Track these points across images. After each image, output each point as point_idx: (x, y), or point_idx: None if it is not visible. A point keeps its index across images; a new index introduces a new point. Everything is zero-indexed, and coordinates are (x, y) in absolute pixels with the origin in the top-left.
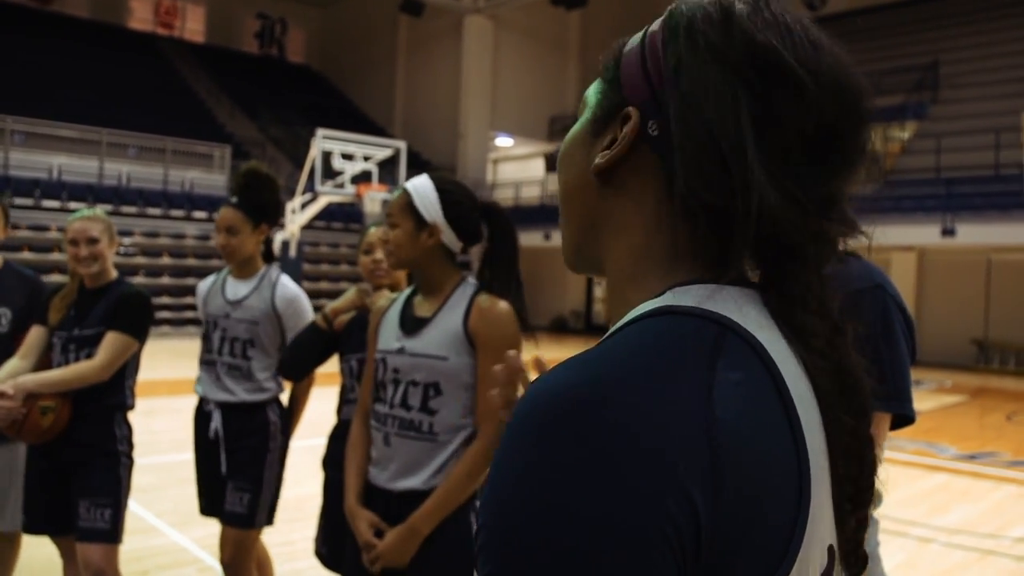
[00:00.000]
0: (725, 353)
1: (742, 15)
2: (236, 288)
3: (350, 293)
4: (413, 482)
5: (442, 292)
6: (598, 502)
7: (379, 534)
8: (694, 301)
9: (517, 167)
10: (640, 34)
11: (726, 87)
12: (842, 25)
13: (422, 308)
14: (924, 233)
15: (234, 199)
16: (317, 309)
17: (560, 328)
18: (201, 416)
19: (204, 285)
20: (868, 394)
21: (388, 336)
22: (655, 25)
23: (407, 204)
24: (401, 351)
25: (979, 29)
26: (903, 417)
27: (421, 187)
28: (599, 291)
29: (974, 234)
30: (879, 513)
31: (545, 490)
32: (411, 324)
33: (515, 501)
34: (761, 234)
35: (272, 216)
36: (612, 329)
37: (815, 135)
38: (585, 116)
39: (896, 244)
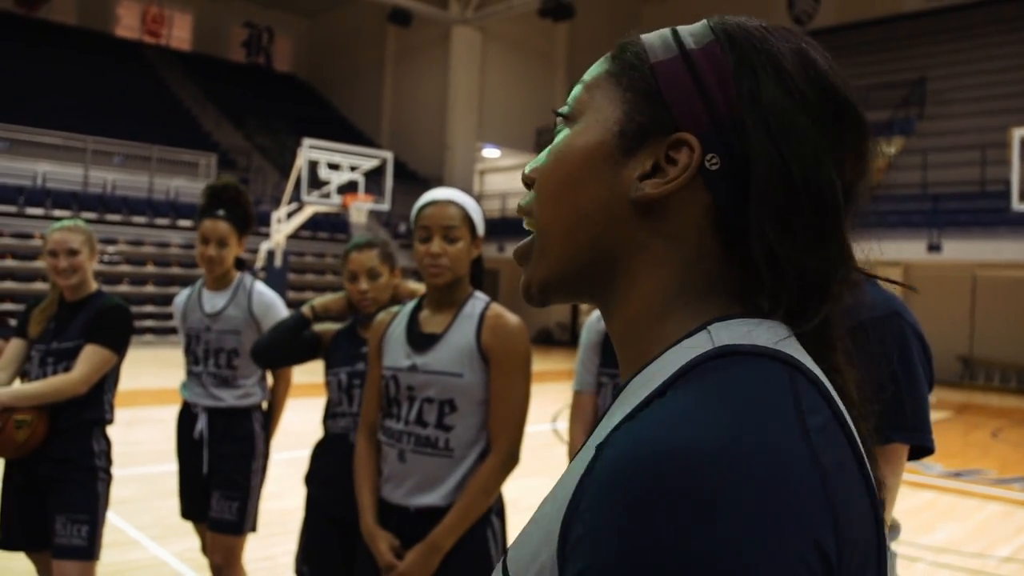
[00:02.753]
0: (803, 396)
1: (815, 56)
2: (213, 300)
3: (339, 296)
4: (431, 498)
5: (453, 306)
6: (752, 564)
7: (397, 555)
8: (749, 339)
9: (504, 178)
10: (667, 40)
11: (820, 139)
12: (830, 40)
13: (431, 324)
14: (910, 249)
15: (221, 212)
16: None
17: (546, 340)
18: (186, 418)
19: (180, 299)
20: (871, 431)
21: (396, 353)
22: (697, 38)
23: (466, 216)
24: (413, 368)
25: (966, 46)
26: (921, 447)
27: (468, 199)
28: (586, 304)
29: (960, 250)
30: (895, 546)
31: (698, 555)
32: (420, 340)
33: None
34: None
35: (251, 227)
36: (652, 372)
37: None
38: (601, 126)
39: (881, 259)
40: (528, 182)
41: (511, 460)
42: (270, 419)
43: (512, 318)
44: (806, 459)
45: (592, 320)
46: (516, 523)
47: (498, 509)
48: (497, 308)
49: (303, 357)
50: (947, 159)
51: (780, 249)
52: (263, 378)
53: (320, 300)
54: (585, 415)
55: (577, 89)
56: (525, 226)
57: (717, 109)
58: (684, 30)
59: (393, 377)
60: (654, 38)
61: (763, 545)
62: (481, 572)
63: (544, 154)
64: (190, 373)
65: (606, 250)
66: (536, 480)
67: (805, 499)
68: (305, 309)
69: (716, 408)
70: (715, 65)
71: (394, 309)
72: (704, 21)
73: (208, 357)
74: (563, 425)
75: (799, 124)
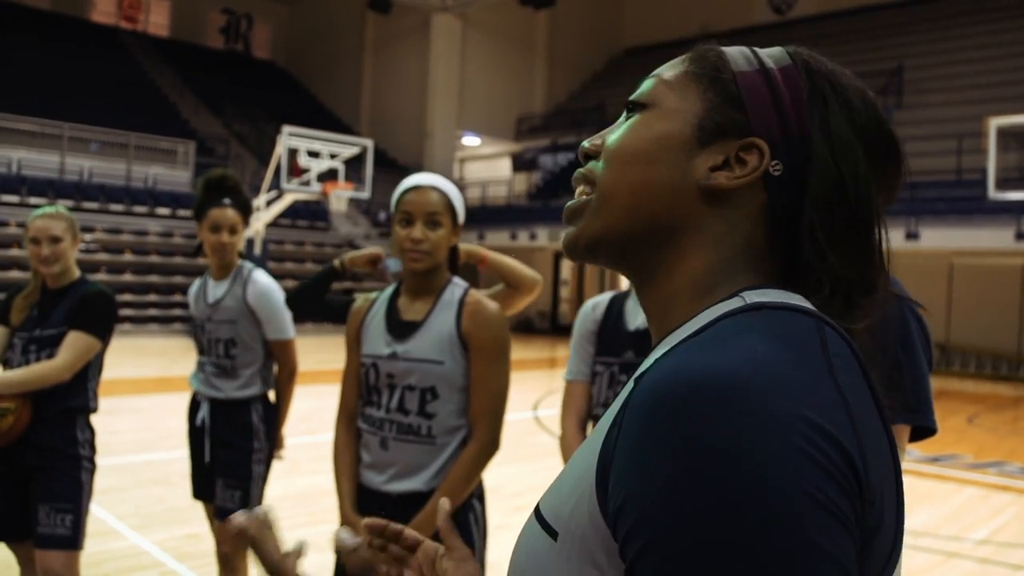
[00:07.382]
0: (828, 338)
1: (872, 98)
2: (215, 290)
3: (367, 252)
4: (414, 484)
5: (432, 293)
6: (792, 477)
7: None
8: (777, 299)
9: (484, 166)
10: (747, 55)
11: (870, 168)
12: (809, 29)
13: (410, 311)
14: (888, 236)
15: (227, 200)
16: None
17: (526, 329)
18: (193, 406)
19: (193, 289)
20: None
21: (376, 341)
22: (775, 60)
23: (448, 203)
24: (393, 356)
25: (943, 35)
26: (924, 428)
27: (450, 186)
28: (565, 292)
29: (937, 238)
30: None
31: (738, 470)
32: (400, 328)
33: (706, 490)
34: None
35: (250, 216)
36: (686, 327)
37: None
38: (681, 117)
39: None
40: (591, 153)
41: (492, 446)
42: (277, 407)
43: (491, 304)
44: (830, 383)
45: (587, 309)
46: (499, 510)
47: (479, 493)
48: (476, 295)
49: (333, 315)
50: (924, 148)
51: (828, 250)
52: (264, 367)
53: (348, 255)
54: (578, 405)
55: (652, 82)
56: (577, 195)
57: (789, 124)
58: (762, 51)
59: (373, 365)
60: (734, 51)
61: (792, 451)
62: None
63: (610, 132)
64: (198, 363)
65: (666, 223)
66: (517, 467)
67: (832, 415)
68: (335, 262)
69: (747, 340)
70: (791, 86)
71: (371, 296)
72: (780, 48)
73: (210, 347)
74: (544, 413)
75: (857, 152)
